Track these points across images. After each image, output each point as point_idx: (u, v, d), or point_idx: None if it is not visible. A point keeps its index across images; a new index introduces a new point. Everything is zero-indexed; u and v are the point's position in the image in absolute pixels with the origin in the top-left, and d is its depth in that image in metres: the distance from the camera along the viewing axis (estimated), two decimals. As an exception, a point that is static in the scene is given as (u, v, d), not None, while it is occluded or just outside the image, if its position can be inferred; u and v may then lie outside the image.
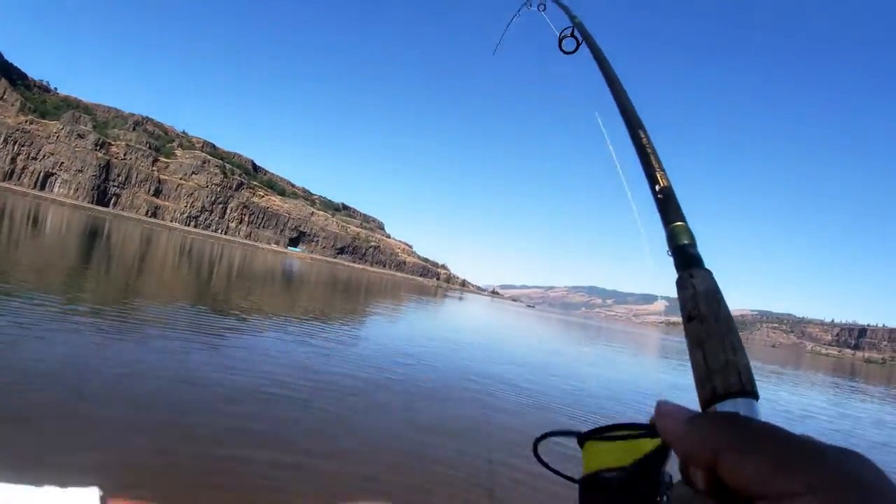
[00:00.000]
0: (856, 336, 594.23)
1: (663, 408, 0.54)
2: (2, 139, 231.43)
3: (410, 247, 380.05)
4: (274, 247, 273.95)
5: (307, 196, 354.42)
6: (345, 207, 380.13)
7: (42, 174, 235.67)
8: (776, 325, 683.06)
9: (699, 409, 0.58)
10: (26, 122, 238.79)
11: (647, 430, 0.64)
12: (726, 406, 0.58)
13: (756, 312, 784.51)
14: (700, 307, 0.68)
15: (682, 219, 0.84)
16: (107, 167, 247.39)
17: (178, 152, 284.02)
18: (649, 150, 0.97)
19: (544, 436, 0.73)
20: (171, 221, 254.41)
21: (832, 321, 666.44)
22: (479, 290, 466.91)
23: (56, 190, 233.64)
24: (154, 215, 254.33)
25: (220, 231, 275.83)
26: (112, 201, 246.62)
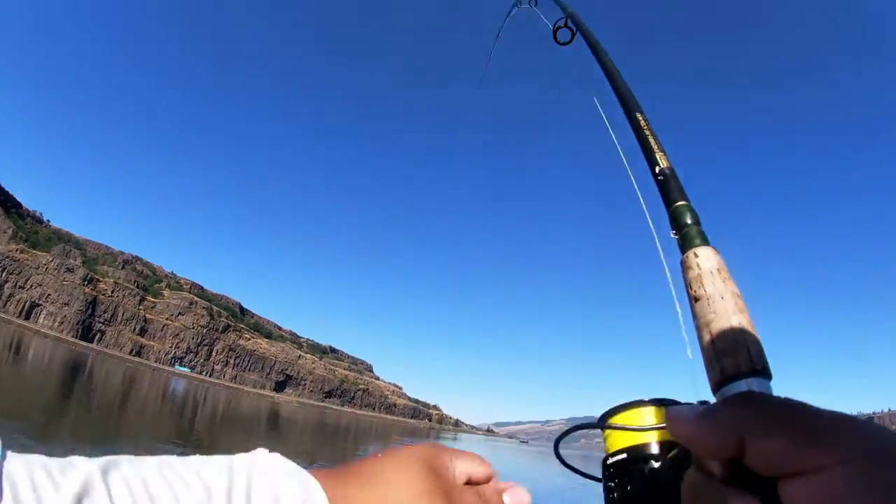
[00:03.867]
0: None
1: (674, 413, 0.51)
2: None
3: (400, 388, 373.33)
4: (260, 391, 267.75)
5: (294, 339, 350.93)
6: (332, 350, 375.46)
7: (28, 303, 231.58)
8: None
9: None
10: (17, 250, 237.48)
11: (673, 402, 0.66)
12: (739, 387, 0.57)
13: None
14: (706, 286, 0.67)
15: (685, 198, 0.82)
16: (93, 303, 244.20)
17: (166, 292, 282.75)
18: (647, 132, 0.96)
19: (565, 434, 0.76)
20: (156, 362, 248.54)
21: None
22: (473, 429, 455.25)
23: (41, 321, 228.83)
24: (138, 354, 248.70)
25: (204, 373, 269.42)
26: (96, 337, 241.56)
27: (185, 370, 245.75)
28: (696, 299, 0.66)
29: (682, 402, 0.66)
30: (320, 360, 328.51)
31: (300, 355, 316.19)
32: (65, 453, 7.55)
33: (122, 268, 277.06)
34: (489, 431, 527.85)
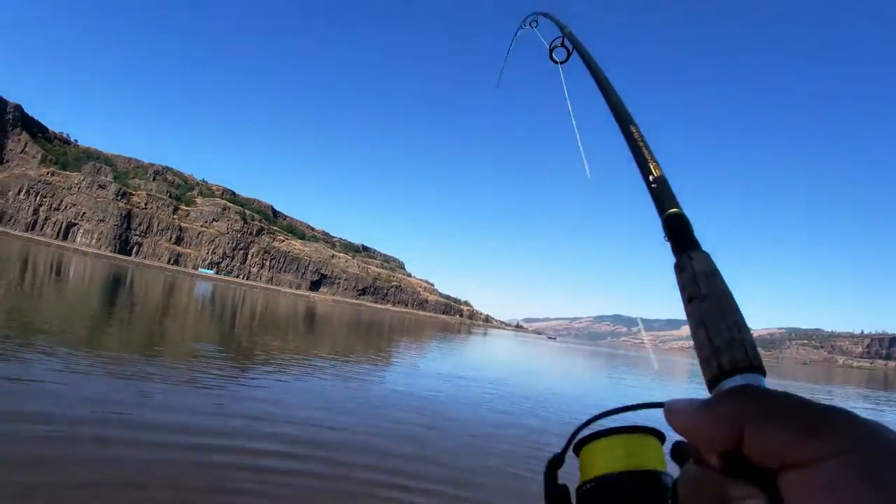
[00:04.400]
0: (887, 345, 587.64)
1: (673, 405, 0.52)
2: (24, 191, 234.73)
3: (432, 285, 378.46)
4: (296, 290, 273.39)
5: (327, 239, 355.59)
6: (365, 249, 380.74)
7: (64, 224, 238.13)
8: (805, 341, 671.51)
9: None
10: (48, 173, 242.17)
11: (650, 430, 0.65)
12: (736, 381, 0.59)
13: (784, 330, 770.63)
14: (700, 287, 0.69)
15: (677, 205, 0.86)
16: (128, 217, 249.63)
17: (199, 200, 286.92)
18: (641, 143, 1.00)
19: (574, 440, 0.71)
20: (193, 268, 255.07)
21: (862, 332, 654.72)
22: (503, 325, 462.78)
23: (78, 240, 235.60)
24: (176, 262, 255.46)
25: (242, 276, 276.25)
26: (134, 250, 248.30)
27: (210, 272, 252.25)
28: (691, 299, 0.69)
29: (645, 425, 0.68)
30: (353, 258, 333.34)
31: (333, 255, 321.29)
32: (114, 362, 10.83)
33: (154, 179, 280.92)
34: (518, 327, 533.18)
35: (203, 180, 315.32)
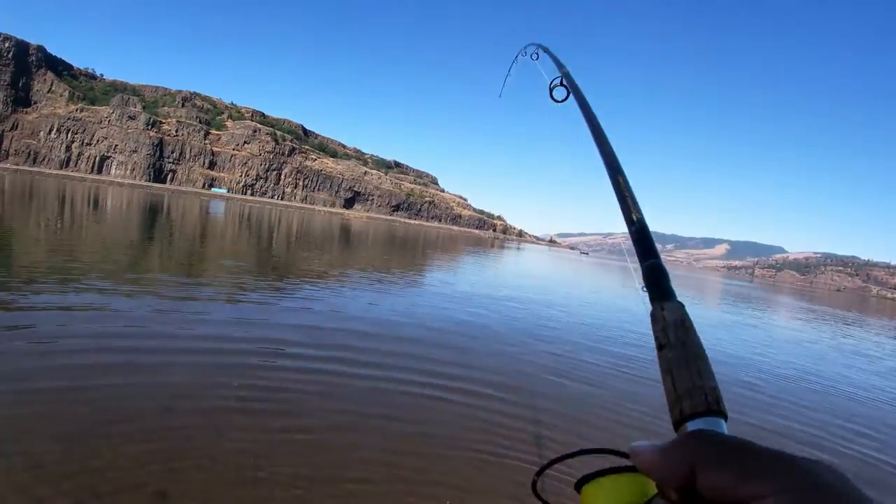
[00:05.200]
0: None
1: (637, 447, 0.59)
2: (55, 130, 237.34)
3: (465, 200, 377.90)
4: (330, 208, 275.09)
5: (359, 156, 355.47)
6: (397, 165, 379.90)
7: (97, 158, 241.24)
8: (840, 268, 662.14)
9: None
10: (77, 110, 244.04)
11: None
12: (696, 424, 0.64)
13: (819, 255, 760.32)
14: (669, 336, 0.74)
15: (656, 255, 0.91)
16: (160, 145, 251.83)
17: (229, 124, 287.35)
18: (626, 194, 1.07)
19: (545, 467, 0.74)
20: (228, 191, 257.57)
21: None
22: (537, 240, 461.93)
23: (113, 172, 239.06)
24: (211, 187, 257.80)
25: (276, 197, 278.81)
26: (168, 177, 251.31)
27: (223, 191, 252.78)
28: (661, 347, 0.73)
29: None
30: (386, 175, 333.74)
31: (366, 172, 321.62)
32: (156, 283, 11.10)
33: (182, 106, 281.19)
34: (552, 242, 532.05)
35: (232, 103, 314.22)
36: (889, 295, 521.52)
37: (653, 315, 0.79)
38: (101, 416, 5.32)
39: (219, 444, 5.09)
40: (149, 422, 5.30)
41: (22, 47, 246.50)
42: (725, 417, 0.65)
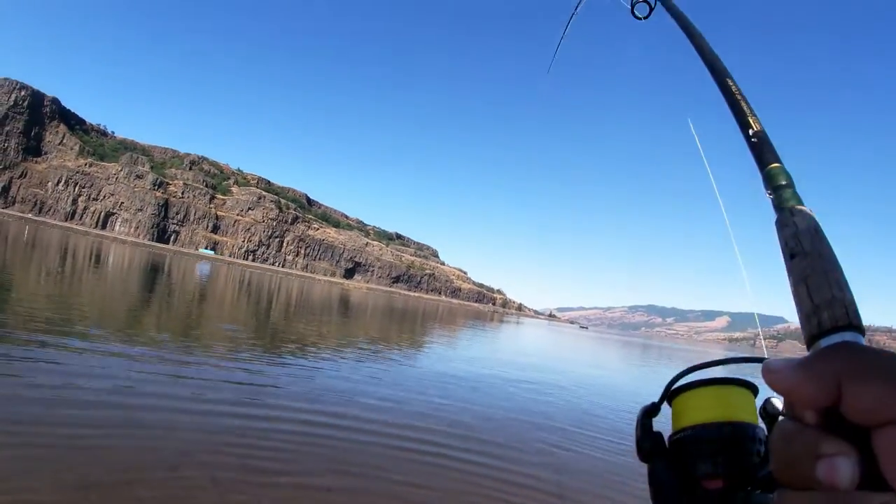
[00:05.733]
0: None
1: (771, 364, 0.49)
2: (63, 182, 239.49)
3: (465, 273, 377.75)
4: (331, 278, 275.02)
5: (361, 227, 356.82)
6: (399, 237, 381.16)
7: (103, 214, 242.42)
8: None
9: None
10: (86, 164, 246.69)
11: (744, 382, 0.67)
12: (834, 339, 0.56)
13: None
14: (803, 244, 0.67)
15: (778, 160, 0.83)
16: (165, 206, 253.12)
17: (234, 189, 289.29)
18: (739, 97, 0.96)
19: (683, 373, 0.72)
20: (230, 256, 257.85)
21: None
22: (536, 314, 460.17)
23: (117, 228, 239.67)
24: (213, 250, 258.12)
25: (277, 264, 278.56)
26: (172, 238, 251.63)
27: (210, 252, 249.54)
28: (793, 255, 0.67)
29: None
30: (387, 246, 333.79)
31: (368, 242, 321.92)
32: (152, 345, 11.09)
33: (190, 169, 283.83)
34: (551, 316, 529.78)
35: (238, 169, 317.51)
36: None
37: (780, 222, 0.72)
38: (98, 468, 5.40)
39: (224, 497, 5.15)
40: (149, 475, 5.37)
41: (37, 98, 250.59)
42: (864, 334, 0.57)
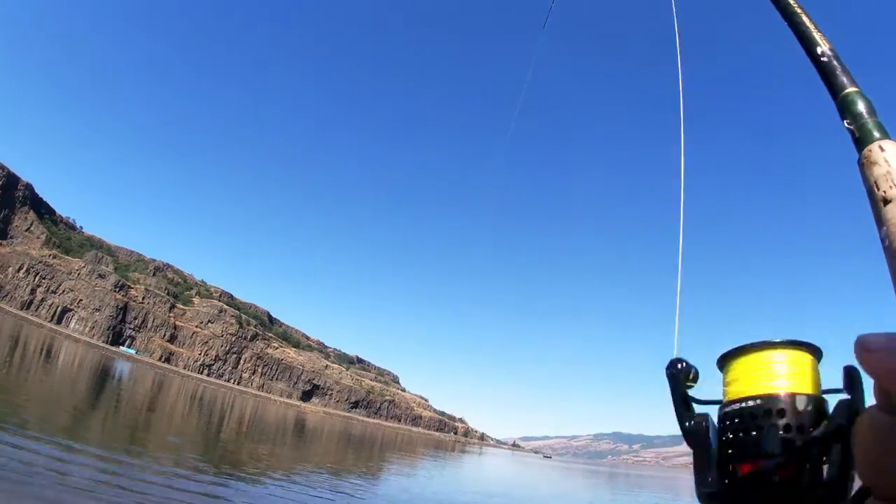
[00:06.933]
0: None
1: (869, 340, 0.41)
2: (24, 269, 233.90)
3: (426, 400, 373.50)
4: (287, 399, 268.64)
5: (322, 349, 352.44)
6: (359, 360, 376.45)
7: (60, 308, 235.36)
8: None
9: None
10: (50, 255, 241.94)
11: (806, 345, 0.57)
12: None
13: None
14: None
15: (855, 84, 0.69)
16: (124, 309, 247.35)
17: (196, 300, 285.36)
18: (802, 13, 0.80)
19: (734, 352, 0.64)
20: (184, 368, 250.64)
21: None
22: (499, 444, 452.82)
23: (72, 325, 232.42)
24: (168, 361, 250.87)
25: (232, 381, 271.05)
26: (126, 343, 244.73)
27: (131, 351, 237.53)
28: (888, 202, 0.55)
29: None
30: (347, 370, 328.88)
31: (327, 365, 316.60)
32: (92, 459, 8.51)
33: (154, 275, 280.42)
34: (514, 446, 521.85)
35: (202, 281, 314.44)
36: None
37: (867, 159, 0.61)
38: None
39: None
40: None
41: (12, 180, 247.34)
42: None
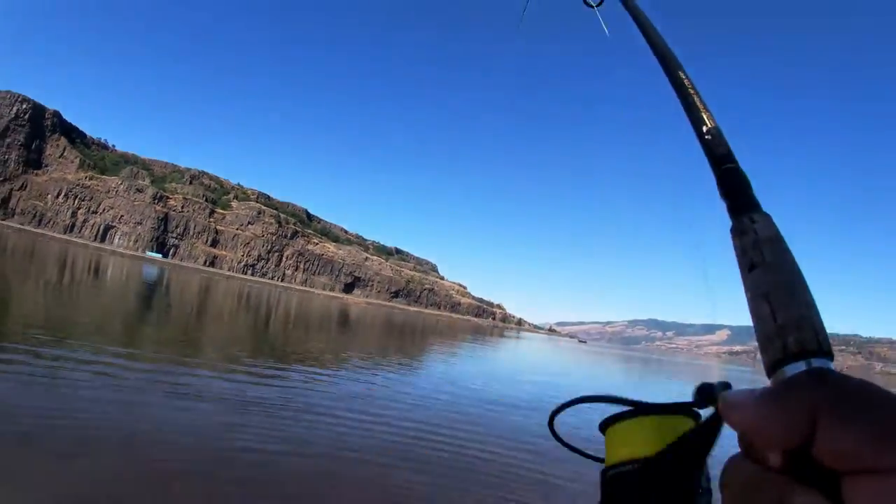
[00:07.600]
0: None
1: (731, 397, 0.45)
2: (63, 194, 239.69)
3: (465, 287, 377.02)
4: (329, 292, 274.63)
5: (360, 242, 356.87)
6: (398, 251, 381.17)
7: (102, 227, 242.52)
8: (842, 347, 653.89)
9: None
10: (86, 177, 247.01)
11: (684, 407, 0.58)
12: (801, 366, 0.49)
13: None
14: (764, 254, 0.59)
15: (734, 160, 0.74)
16: (165, 219, 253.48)
17: (234, 204, 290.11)
18: (692, 91, 0.87)
19: (562, 407, 0.67)
20: (229, 270, 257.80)
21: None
22: (536, 329, 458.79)
23: (116, 241, 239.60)
24: (212, 264, 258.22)
25: (276, 278, 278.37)
26: (171, 252, 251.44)
27: (157, 255, 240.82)
28: (753, 267, 0.59)
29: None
30: (387, 261, 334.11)
31: (367, 257, 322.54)
32: (152, 362, 11.46)
33: (190, 183, 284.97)
34: (551, 331, 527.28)
35: (238, 184, 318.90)
36: (893, 371, 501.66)
37: (737, 229, 0.64)
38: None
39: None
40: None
41: (38, 111, 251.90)
42: (833, 360, 0.50)
